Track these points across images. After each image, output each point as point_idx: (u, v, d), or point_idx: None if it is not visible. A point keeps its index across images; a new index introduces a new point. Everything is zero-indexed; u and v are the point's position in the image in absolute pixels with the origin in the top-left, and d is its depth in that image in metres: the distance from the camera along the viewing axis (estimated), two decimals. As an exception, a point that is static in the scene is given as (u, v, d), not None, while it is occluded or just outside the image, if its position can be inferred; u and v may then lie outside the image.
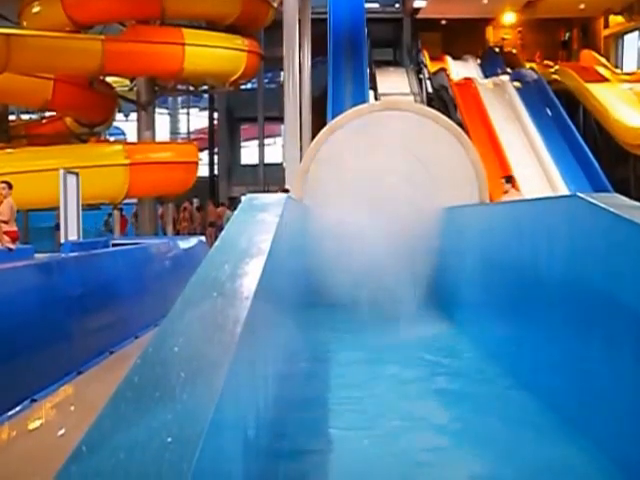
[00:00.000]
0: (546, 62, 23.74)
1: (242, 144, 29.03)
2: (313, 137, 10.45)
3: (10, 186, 10.96)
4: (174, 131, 29.82)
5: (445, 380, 5.03)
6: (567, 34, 26.80)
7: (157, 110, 20.16)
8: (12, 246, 10.15)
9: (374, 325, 6.52)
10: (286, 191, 11.47)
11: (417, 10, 24.79)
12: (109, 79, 19.03)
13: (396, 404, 4.25)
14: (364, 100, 17.04)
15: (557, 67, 21.78)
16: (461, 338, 6.41)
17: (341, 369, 5.21)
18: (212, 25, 17.92)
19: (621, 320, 3.33)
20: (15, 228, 11.05)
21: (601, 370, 3.53)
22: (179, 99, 29.55)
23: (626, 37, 23.99)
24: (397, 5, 26.66)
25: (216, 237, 4.00)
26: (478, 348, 5.88)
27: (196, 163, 18.00)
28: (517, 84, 19.91)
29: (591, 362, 3.65)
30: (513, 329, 5.30)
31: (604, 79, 20.22)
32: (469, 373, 5.07)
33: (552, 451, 3.46)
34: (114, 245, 11.05)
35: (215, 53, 17.06)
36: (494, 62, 23.52)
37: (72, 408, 5.41)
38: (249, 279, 2.56)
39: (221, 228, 16.55)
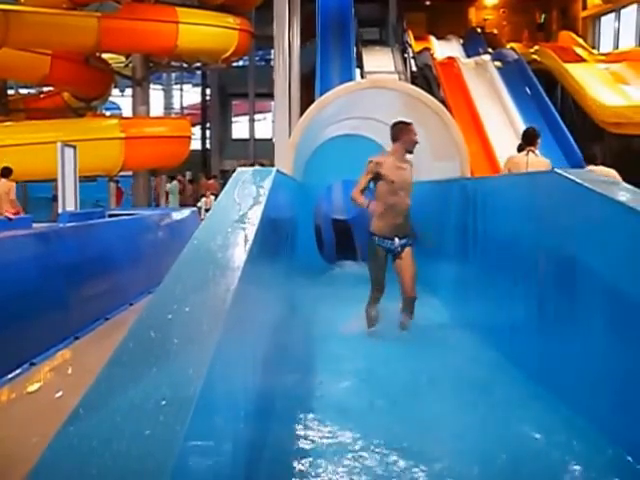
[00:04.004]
0: (525, 42, 24.02)
1: (233, 119, 29.38)
2: (302, 113, 10.49)
3: None
4: (168, 106, 30.03)
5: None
6: (543, 16, 27.02)
7: (151, 86, 20.33)
8: (11, 216, 10.74)
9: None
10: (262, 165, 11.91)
11: (403, -10, 24.88)
12: (105, 55, 19.20)
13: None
14: (351, 78, 17.13)
15: (537, 47, 21.94)
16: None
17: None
18: (204, 4, 18.15)
19: (592, 285, 3.55)
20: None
21: (575, 332, 3.77)
22: (173, 75, 29.70)
23: (603, 19, 24.27)
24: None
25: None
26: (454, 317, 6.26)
27: (189, 137, 18.28)
28: (498, 64, 20.05)
29: (565, 325, 3.89)
30: (489, 297, 5.54)
31: (581, 59, 20.49)
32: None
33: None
34: (110, 216, 11.11)
35: (208, 31, 17.33)
36: (476, 42, 23.75)
37: (69, 371, 5.43)
38: (240, 249, 2.61)
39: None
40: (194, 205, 17.95)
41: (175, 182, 20.01)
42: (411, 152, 5.77)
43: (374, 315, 5.64)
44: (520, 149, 7.66)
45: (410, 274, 5.61)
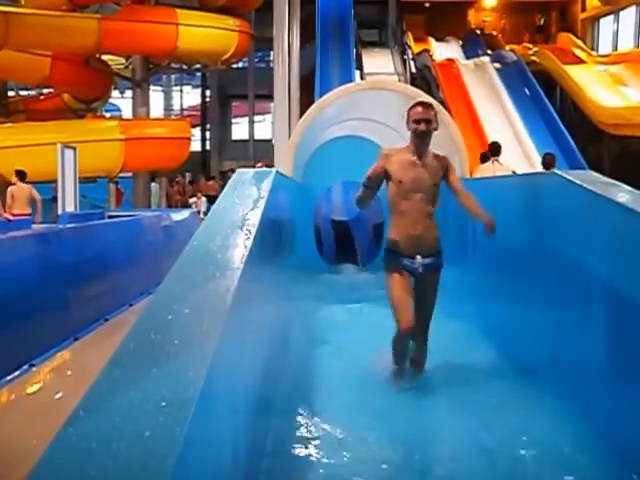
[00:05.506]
0: (525, 44, 24.03)
1: (233, 120, 29.34)
2: (302, 114, 10.51)
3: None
4: (168, 108, 30.02)
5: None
6: (542, 19, 27.12)
7: (151, 87, 20.14)
8: (10, 217, 10.71)
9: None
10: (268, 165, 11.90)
11: (402, -8, 24.98)
12: (105, 57, 19.08)
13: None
14: (350, 79, 17.19)
15: (536, 49, 22.06)
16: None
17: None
18: (204, 6, 18.08)
19: (592, 287, 3.48)
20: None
21: (574, 331, 3.72)
22: (173, 77, 29.60)
23: (602, 20, 24.38)
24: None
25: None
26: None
27: (189, 139, 18.16)
28: (497, 65, 20.17)
29: (566, 326, 3.83)
30: (494, 298, 5.44)
31: (580, 61, 20.60)
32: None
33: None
34: (110, 217, 11.03)
35: (207, 33, 17.20)
36: (475, 44, 23.86)
37: (69, 373, 5.38)
38: (240, 250, 2.60)
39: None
40: (194, 206, 18.02)
41: (155, 184, 19.94)
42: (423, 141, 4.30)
43: (401, 351, 4.34)
44: (483, 158, 9.52)
45: (427, 307, 4.31)
